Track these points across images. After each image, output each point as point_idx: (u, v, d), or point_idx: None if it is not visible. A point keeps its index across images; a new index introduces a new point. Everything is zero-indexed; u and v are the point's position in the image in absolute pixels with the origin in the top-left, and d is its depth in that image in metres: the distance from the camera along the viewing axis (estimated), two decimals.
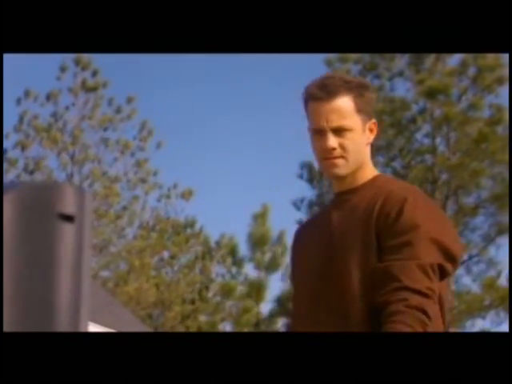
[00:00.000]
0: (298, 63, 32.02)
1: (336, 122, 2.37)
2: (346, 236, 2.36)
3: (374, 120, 2.45)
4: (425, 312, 2.21)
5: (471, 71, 16.91)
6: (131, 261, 24.25)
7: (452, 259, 2.31)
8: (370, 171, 2.47)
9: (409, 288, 2.21)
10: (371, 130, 2.45)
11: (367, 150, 2.45)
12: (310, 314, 2.38)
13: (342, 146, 2.38)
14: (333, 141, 2.37)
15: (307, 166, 17.87)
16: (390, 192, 2.36)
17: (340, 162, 2.39)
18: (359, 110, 2.39)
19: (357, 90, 2.40)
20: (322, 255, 2.41)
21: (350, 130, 2.38)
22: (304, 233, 2.56)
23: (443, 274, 2.29)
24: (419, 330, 2.19)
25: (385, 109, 16.91)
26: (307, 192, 18.52)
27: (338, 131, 2.37)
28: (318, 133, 2.40)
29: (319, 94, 2.38)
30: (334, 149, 2.37)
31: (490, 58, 16.53)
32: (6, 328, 1.14)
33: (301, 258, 2.50)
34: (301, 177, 17.69)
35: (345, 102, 2.38)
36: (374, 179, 2.45)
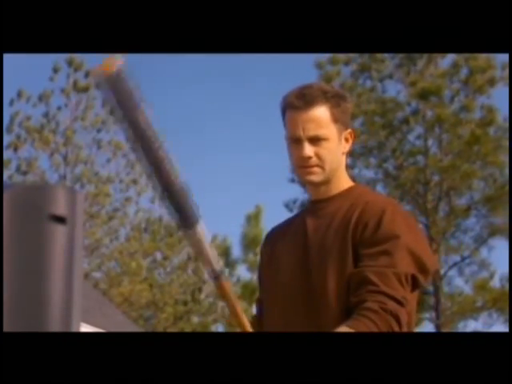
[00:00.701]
0: (292, 66, 32.02)
1: (312, 131, 2.40)
2: (323, 243, 2.39)
3: (349, 130, 2.48)
4: (398, 319, 2.23)
5: (463, 73, 16.93)
6: (123, 262, 24.22)
7: (425, 272, 2.34)
8: (345, 181, 2.50)
9: (385, 293, 2.23)
10: (347, 140, 2.48)
11: (343, 159, 2.49)
12: (284, 317, 2.38)
13: (317, 155, 2.41)
14: (309, 150, 2.40)
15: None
16: (367, 203, 2.39)
17: (315, 169, 2.42)
18: (336, 119, 2.42)
19: (334, 100, 2.43)
20: (297, 261, 2.43)
21: (326, 140, 2.40)
22: (277, 237, 2.56)
23: (415, 285, 2.32)
24: None
25: (376, 110, 16.92)
26: (300, 193, 18.54)
27: (315, 140, 2.40)
28: (295, 141, 2.42)
29: (297, 103, 2.41)
30: (309, 157, 2.40)
31: (482, 59, 16.54)
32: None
33: (274, 262, 2.50)
34: (292, 181, 17.69)
35: (322, 112, 2.41)
36: (350, 189, 2.48)
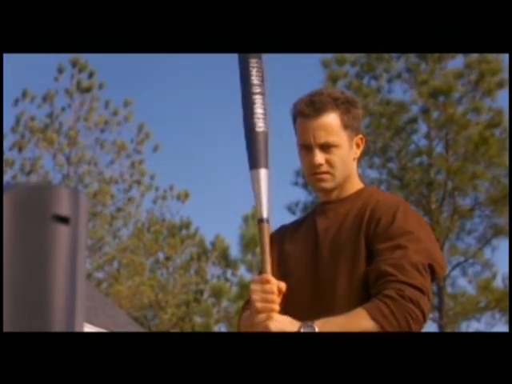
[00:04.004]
0: (296, 67, 32.02)
1: (323, 138, 2.42)
2: (334, 242, 2.40)
3: (360, 135, 2.51)
4: (419, 306, 2.23)
5: (474, 74, 16.88)
6: (126, 262, 24.23)
7: (440, 265, 2.36)
8: (355, 184, 2.52)
9: (404, 282, 2.24)
10: (358, 145, 2.50)
11: (354, 165, 2.51)
12: (295, 317, 2.38)
13: (328, 162, 2.43)
14: (320, 157, 2.42)
15: (302, 173, 17.69)
16: (378, 201, 2.42)
17: (326, 176, 2.44)
18: (346, 126, 2.44)
19: (344, 106, 2.45)
20: (307, 260, 2.44)
21: (336, 146, 2.43)
22: (285, 237, 2.56)
23: (433, 275, 2.33)
24: (403, 324, 2.21)
25: (382, 111, 16.89)
26: (302, 196, 18.50)
27: (325, 147, 2.42)
28: (306, 148, 2.45)
29: (307, 110, 2.43)
30: (320, 164, 2.43)
31: (493, 62, 16.54)
32: (3, 328, 1.14)
33: (283, 264, 2.50)
34: (296, 184, 17.67)
35: (332, 119, 2.43)
36: (361, 191, 2.51)
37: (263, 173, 2.38)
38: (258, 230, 2.38)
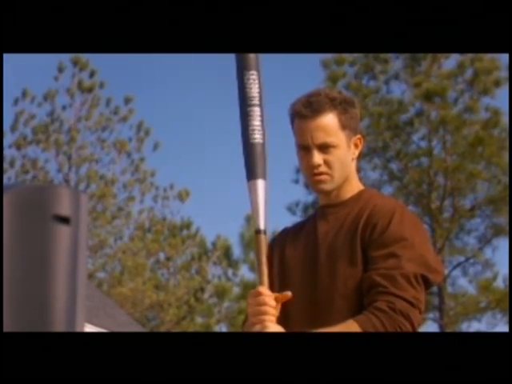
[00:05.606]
0: (294, 66, 32.01)
1: (321, 139, 2.42)
2: (332, 246, 2.41)
3: (358, 136, 2.50)
4: (409, 319, 2.24)
5: (468, 73, 16.88)
6: (127, 262, 24.21)
7: (435, 271, 2.36)
8: (355, 185, 2.52)
9: (394, 294, 2.25)
10: (356, 146, 2.50)
11: (352, 165, 2.51)
12: (292, 319, 2.39)
13: (326, 163, 2.43)
14: (318, 157, 2.42)
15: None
16: (375, 206, 2.42)
17: (325, 177, 2.45)
18: (344, 126, 2.44)
19: (341, 106, 2.45)
20: (305, 264, 2.45)
21: (334, 147, 2.43)
22: (287, 241, 2.57)
23: (427, 284, 2.34)
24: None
25: (381, 111, 16.89)
26: (302, 196, 18.49)
27: (323, 148, 2.43)
28: (304, 149, 2.45)
29: (304, 111, 2.43)
30: (319, 165, 2.43)
31: (487, 60, 16.52)
32: (3, 329, 1.15)
33: (284, 267, 2.50)
34: (296, 182, 17.67)
35: (329, 119, 2.43)
36: (360, 194, 2.50)
37: (260, 184, 2.40)
38: (254, 242, 2.40)
